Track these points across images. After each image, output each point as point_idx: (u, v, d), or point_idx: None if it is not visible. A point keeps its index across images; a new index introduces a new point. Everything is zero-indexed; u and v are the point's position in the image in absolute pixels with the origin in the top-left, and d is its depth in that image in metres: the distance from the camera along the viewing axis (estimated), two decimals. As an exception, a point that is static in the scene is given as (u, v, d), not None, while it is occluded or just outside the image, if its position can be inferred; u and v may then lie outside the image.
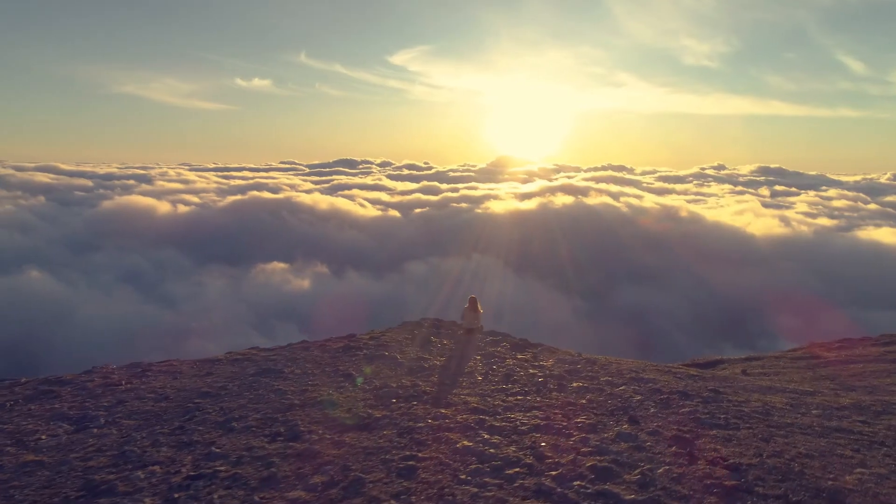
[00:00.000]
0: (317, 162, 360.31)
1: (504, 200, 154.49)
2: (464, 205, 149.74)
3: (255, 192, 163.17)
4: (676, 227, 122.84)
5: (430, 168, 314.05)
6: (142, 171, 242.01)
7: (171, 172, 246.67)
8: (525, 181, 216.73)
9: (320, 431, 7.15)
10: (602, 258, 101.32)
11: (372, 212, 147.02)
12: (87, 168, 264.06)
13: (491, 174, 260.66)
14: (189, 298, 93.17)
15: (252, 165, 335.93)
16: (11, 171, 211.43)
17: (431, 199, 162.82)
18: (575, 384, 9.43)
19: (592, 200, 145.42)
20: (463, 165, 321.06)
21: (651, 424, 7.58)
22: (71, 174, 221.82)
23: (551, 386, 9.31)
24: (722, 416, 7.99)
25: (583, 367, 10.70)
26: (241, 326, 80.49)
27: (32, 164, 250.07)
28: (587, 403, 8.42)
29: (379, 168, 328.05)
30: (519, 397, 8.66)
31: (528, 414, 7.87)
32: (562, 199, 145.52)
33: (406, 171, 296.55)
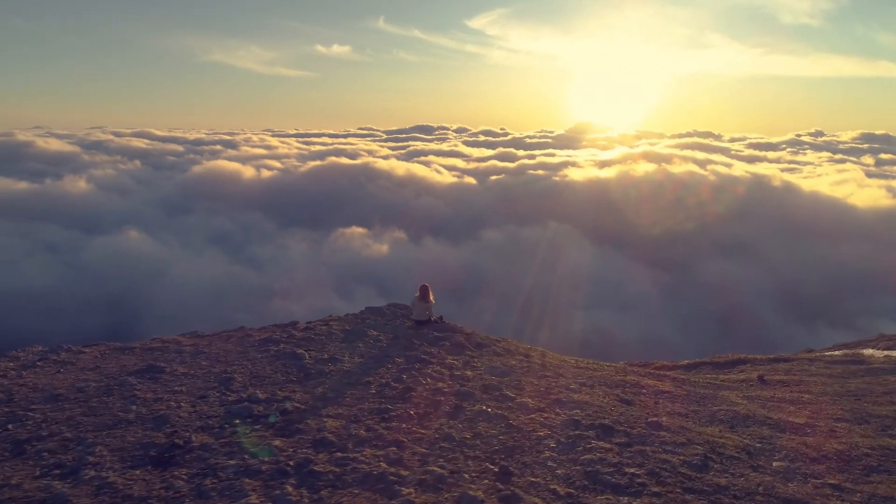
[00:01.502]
0: (394, 128, 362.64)
1: (583, 168, 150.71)
2: (541, 172, 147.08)
3: (333, 158, 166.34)
4: (768, 197, 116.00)
5: (506, 134, 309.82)
6: (228, 137, 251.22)
7: (255, 138, 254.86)
8: (605, 148, 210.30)
9: (108, 466, 6.23)
10: (686, 229, 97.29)
11: (448, 178, 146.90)
12: (178, 134, 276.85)
13: (569, 141, 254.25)
14: (273, 260, 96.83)
15: (331, 131, 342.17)
16: (111, 137, 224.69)
17: (508, 167, 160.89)
18: (477, 406, 8.11)
19: (677, 168, 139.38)
20: (540, 132, 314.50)
21: (524, 479, 6.08)
22: (164, 140, 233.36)
23: (446, 408, 8.06)
24: (631, 471, 6.35)
25: (512, 380, 9.59)
26: (322, 289, 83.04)
27: (129, 131, 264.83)
28: (469, 439, 7.07)
29: (455, 134, 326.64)
30: (393, 423, 7.43)
31: (377, 452, 6.61)
32: (643, 167, 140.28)
33: (482, 138, 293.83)
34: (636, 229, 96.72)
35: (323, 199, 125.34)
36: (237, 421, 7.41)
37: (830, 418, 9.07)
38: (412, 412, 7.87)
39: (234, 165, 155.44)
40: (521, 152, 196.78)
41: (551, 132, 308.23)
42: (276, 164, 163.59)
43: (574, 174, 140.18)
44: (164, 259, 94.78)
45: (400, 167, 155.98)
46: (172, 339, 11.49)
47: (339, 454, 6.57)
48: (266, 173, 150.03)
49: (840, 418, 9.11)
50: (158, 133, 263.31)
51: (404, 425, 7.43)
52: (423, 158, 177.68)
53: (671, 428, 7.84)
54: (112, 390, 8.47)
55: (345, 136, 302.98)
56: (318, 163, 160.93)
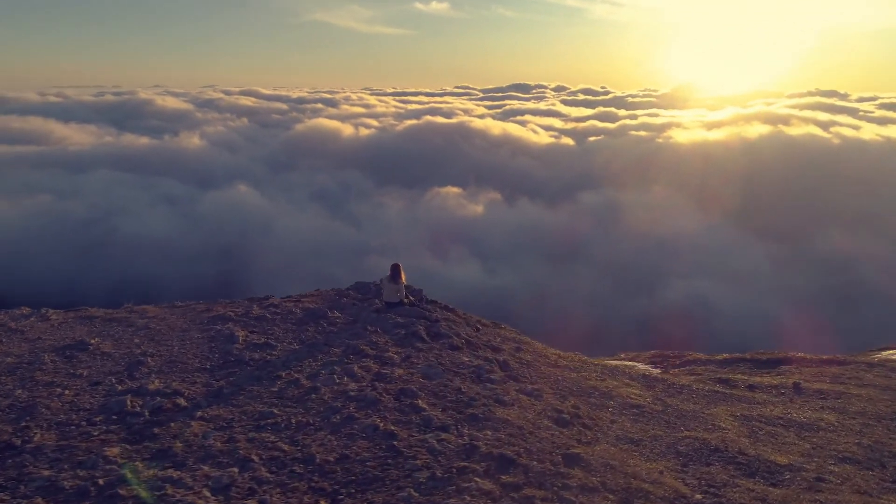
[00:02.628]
0: (490, 86, 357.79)
1: (689, 129, 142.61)
2: (643, 133, 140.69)
3: (429, 117, 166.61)
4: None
5: (607, 93, 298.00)
6: (328, 96, 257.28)
7: (354, 97, 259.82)
8: (714, 109, 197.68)
9: None
10: (804, 198, 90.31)
11: (544, 139, 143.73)
12: (283, 92, 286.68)
13: (675, 100, 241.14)
14: (370, 218, 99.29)
15: (428, 90, 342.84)
16: (222, 96, 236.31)
17: (608, 127, 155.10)
18: (371, 420, 7.32)
19: (795, 130, 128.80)
20: (644, 90, 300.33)
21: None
22: (269, 98, 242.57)
23: (335, 418, 7.34)
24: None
25: (440, 384, 8.63)
26: (417, 248, 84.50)
27: (238, 89, 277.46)
28: (330, 463, 6.39)
29: (553, 93, 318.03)
30: (262, 434, 6.85)
31: (212, 472, 6.05)
32: (757, 129, 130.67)
33: (581, 97, 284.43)
34: (746, 196, 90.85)
35: (419, 159, 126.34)
36: (98, 418, 7.13)
37: (833, 459, 7.67)
38: (294, 420, 7.25)
39: (334, 124, 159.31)
40: (622, 112, 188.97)
41: (655, 91, 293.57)
42: (374, 122, 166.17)
43: (679, 136, 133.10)
44: (269, 213, 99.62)
45: (495, 127, 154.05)
46: (140, 308, 11.68)
47: (167, 472, 6.05)
48: (364, 132, 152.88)
49: (849, 459, 7.67)
50: (264, 92, 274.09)
51: (270, 438, 6.81)
52: (519, 118, 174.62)
53: (592, 464, 6.67)
54: (17, 370, 8.50)
55: (441, 95, 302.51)
56: (414, 122, 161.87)
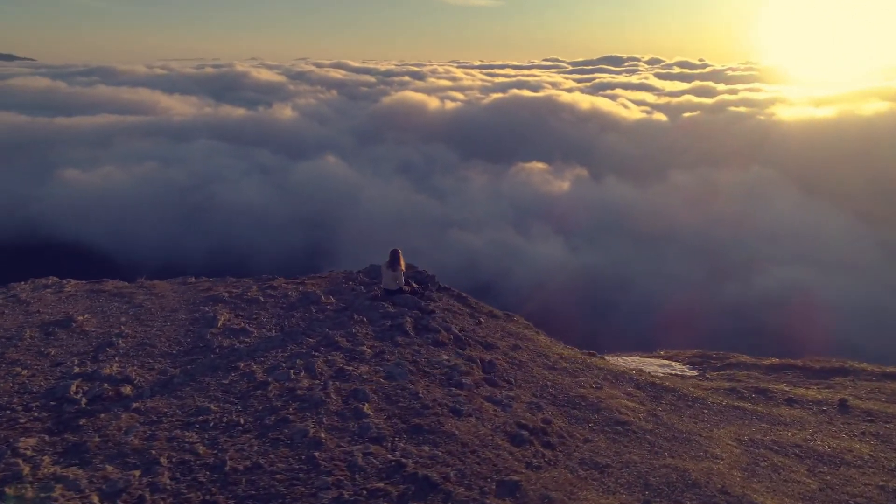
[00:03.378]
0: (580, 59, 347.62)
1: (795, 105, 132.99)
2: (743, 109, 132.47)
3: (515, 91, 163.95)
4: None
5: (705, 66, 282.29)
6: (416, 69, 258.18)
7: (441, 69, 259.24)
8: (823, 83, 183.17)
9: None
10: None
11: (635, 114, 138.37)
12: (371, 65, 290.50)
13: (780, 75, 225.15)
14: (454, 192, 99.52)
15: (515, 63, 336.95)
16: (313, 69, 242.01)
17: (704, 102, 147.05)
18: (303, 424, 6.85)
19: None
20: (745, 64, 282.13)
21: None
22: (357, 71, 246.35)
23: (270, 419, 6.91)
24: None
25: (398, 386, 7.91)
26: (500, 223, 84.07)
27: (328, 62, 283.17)
28: (230, 475, 5.89)
29: (646, 66, 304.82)
30: (187, 433, 6.50)
31: (94, 474, 5.74)
32: (874, 106, 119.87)
33: (677, 70, 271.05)
34: (858, 179, 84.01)
35: (504, 133, 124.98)
36: (36, 404, 7.04)
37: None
38: (226, 419, 6.91)
39: (420, 97, 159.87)
40: (720, 86, 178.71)
41: (758, 64, 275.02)
42: (460, 95, 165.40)
43: (784, 112, 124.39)
44: (356, 185, 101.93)
45: (584, 101, 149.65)
46: (150, 284, 11.92)
47: (68, 470, 5.85)
48: (450, 105, 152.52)
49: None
50: (353, 64, 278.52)
51: (192, 438, 6.47)
52: (609, 92, 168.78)
53: (529, 496, 5.99)
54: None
55: (528, 68, 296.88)
56: (500, 95, 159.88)
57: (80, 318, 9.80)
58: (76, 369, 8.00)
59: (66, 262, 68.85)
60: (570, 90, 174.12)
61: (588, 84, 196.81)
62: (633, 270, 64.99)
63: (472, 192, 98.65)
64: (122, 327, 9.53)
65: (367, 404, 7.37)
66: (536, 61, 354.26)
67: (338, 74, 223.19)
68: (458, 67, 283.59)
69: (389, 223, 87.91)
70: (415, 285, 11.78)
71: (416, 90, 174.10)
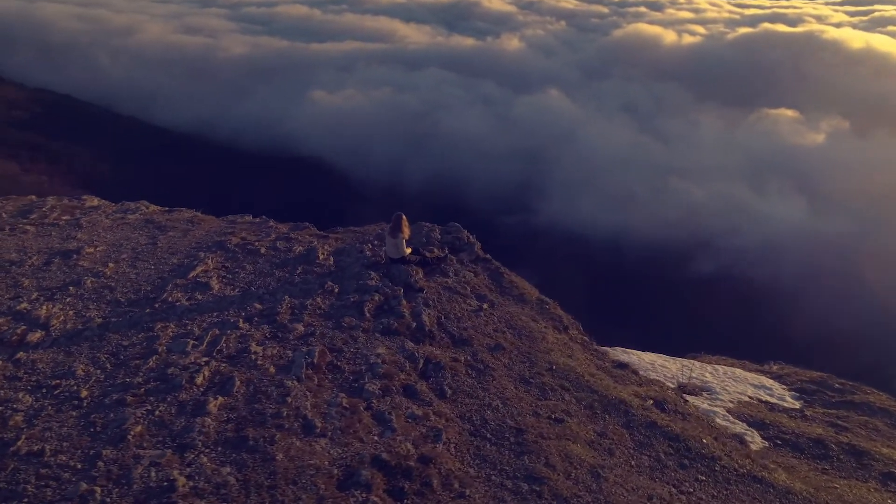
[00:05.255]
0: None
1: None
2: None
3: (768, 25, 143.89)
4: None
5: None
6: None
7: (683, 0, 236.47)
8: None
9: None
10: None
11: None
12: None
13: None
14: (681, 136, 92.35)
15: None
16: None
17: None
18: (115, 416, 6.39)
19: None
20: None
21: None
22: (590, 1, 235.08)
23: (68, 406, 6.52)
24: None
25: (273, 385, 7.11)
26: (730, 175, 76.62)
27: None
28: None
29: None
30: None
31: None
32: None
33: None
34: None
35: (749, 73, 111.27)
36: None
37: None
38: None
39: (655, 30, 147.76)
40: None
41: None
42: (701, 29, 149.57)
43: None
44: (577, 121, 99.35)
45: (856, 39, 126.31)
46: (198, 218, 12.44)
47: None
48: (688, 39, 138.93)
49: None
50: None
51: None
52: (891, 28, 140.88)
53: None
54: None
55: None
56: (748, 30, 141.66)
57: (89, 249, 10.33)
58: (19, 306, 8.38)
59: (306, 176, 78.01)
60: (838, 25, 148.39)
61: (864, 18, 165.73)
62: (884, 245, 55.31)
63: (702, 138, 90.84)
64: (111, 265, 9.85)
65: (218, 399, 6.70)
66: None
67: (569, 4, 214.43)
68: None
69: (606, 164, 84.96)
70: (428, 254, 10.82)
71: (652, 22, 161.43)
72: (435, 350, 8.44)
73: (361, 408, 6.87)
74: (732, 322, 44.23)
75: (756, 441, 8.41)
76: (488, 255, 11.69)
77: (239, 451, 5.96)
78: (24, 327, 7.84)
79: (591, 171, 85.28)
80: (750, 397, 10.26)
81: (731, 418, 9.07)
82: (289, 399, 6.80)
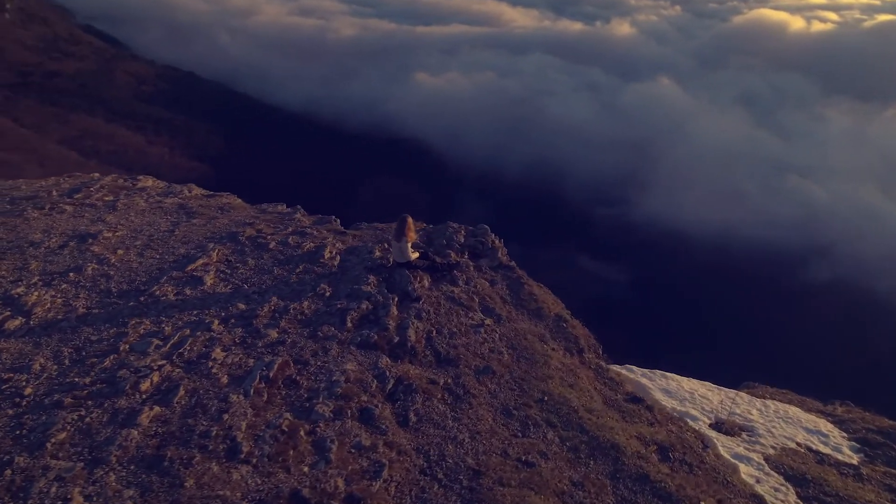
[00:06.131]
0: None
1: None
2: None
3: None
4: None
5: None
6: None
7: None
8: None
9: None
10: None
11: None
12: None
13: None
14: (804, 132, 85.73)
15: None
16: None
17: None
18: (47, 416, 6.11)
19: None
20: None
21: None
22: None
23: (13, 402, 6.30)
24: None
25: (213, 401, 6.49)
26: (858, 176, 70.37)
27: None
28: None
29: None
30: None
31: None
32: None
33: None
34: None
35: (886, 65, 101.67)
36: None
37: None
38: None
39: (780, 16, 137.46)
40: None
41: None
42: (833, 16, 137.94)
43: None
44: (688, 112, 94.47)
45: None
46: (229, 206, 12.26)
47: None
48: (818, 27, 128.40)
49: None
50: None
51: None
52: None
53: None
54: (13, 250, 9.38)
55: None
56: (889, 17, 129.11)
57: (107, 234, 10.29)
58: (14, 290, 8.20)
59: (403, 158, 78.99)
60: None
61: None
62: None
63: (827, 135, 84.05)
64: (119, 251, 9.71)
65: (154, 410, 6.19)
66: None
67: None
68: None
69: (717, 158, 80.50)
70: (438, 260, 10.04)
71: (777, 8, 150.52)
72: (413, 369, 7.60)
73: (302, 432, 6.15)
74: (830, 341, 40.46)
75: (789, 500, 7.05)
76: (512, 263, 10.75)
77: (150, 471, 5.49)
78: (8, 313, 7.74)
79: (699, 166, 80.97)
80: (798, 444, 8.69)
81: (765, 469, 7.67)
82: (225, 417, 6.17)
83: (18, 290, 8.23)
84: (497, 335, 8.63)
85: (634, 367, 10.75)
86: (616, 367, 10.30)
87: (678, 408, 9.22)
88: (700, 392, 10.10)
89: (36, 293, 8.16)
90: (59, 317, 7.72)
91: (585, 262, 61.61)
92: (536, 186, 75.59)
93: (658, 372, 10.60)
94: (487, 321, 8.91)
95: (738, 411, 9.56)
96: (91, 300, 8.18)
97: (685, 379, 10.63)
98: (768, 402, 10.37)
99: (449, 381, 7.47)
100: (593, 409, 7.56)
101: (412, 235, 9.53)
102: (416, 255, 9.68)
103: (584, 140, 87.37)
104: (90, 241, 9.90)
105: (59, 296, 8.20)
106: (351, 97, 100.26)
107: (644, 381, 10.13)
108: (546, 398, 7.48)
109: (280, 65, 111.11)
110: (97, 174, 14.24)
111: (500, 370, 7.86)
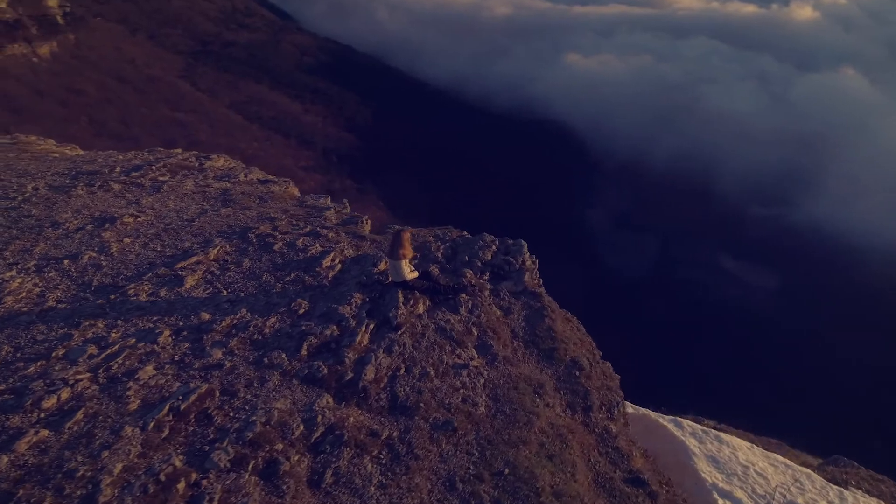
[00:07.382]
0: None
1: None
2: None
3: None
4: None
5: None
6: None
7: None
8: None
9: None
10: None
11: None
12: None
13: None
14: None
15: None
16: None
17: None
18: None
19: None
20: None
21: None
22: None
23: None
24: None
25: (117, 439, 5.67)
26: None
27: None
28: None
29: None
30: None
31: None
32: None
33: None
34: None
35: None
36: None
37: None
38: None
39: None
40: None
41: None
42: None
43: None
44: (874, 107, 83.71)
45: None
46: (272, 196, 11.80)
47: None
48: None
49: None
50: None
51: None
52: None
53: None
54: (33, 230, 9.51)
55: None
56: None
57: (128, 219, 10.12)
58: (5, 275, 8.15)
59: (543, 140, 77.06)
60: None
61: None
62: None
63: None
64: (126, 240, 9.46)
65: (39, 434, 5.55)
66: None
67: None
68: None
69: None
70: (442, 281, 8.78)
71: None
72: (356, 415, 6.45)
73: (182, 485, 5.27)
74: None
75: None
76: (541, 289, 9.17)
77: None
78: (-8, 302, 7.74)
79: (881, 169, 71.16)
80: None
81: None
82: (104, 454, 5.44)
83: (9, 273, 8.13)
84: (482, 380, 7.22)
85: (688, 422, 9.04)
86: (664, 421, 8.71)
87: (721, 485, 7.57)
88: (758, 467, 8.20)
89: (20, 279, 8.00)
90: (25, 309, 7.43)
91: (728, 263, 56.94)
92: (683, 180, 70.61)
93: (713, 433, 8.79)
94: (475, 361, 7.50)
95: (800, 501, 7.51)
96: (66, 293, 7.88)
97: (748, 446, 8.73)
98: (847, 492, 8.19)
99: (395, 434, 6.24)
100: (565, 494, 5.97)
101: (408, 252, 8.36)
102: (415, 274, 8.49)
103: (743, 133, 79.83)
104: (107, 225, 9.80)
105: (39, 285, 7.95)
106: (499, 76, 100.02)
107: (691, 442, 8.37)
108: (507, 471, 6.06)
109: (433, 40, 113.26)
110: (179, 150, 14.53)
111: (463, 427, 6.50)
